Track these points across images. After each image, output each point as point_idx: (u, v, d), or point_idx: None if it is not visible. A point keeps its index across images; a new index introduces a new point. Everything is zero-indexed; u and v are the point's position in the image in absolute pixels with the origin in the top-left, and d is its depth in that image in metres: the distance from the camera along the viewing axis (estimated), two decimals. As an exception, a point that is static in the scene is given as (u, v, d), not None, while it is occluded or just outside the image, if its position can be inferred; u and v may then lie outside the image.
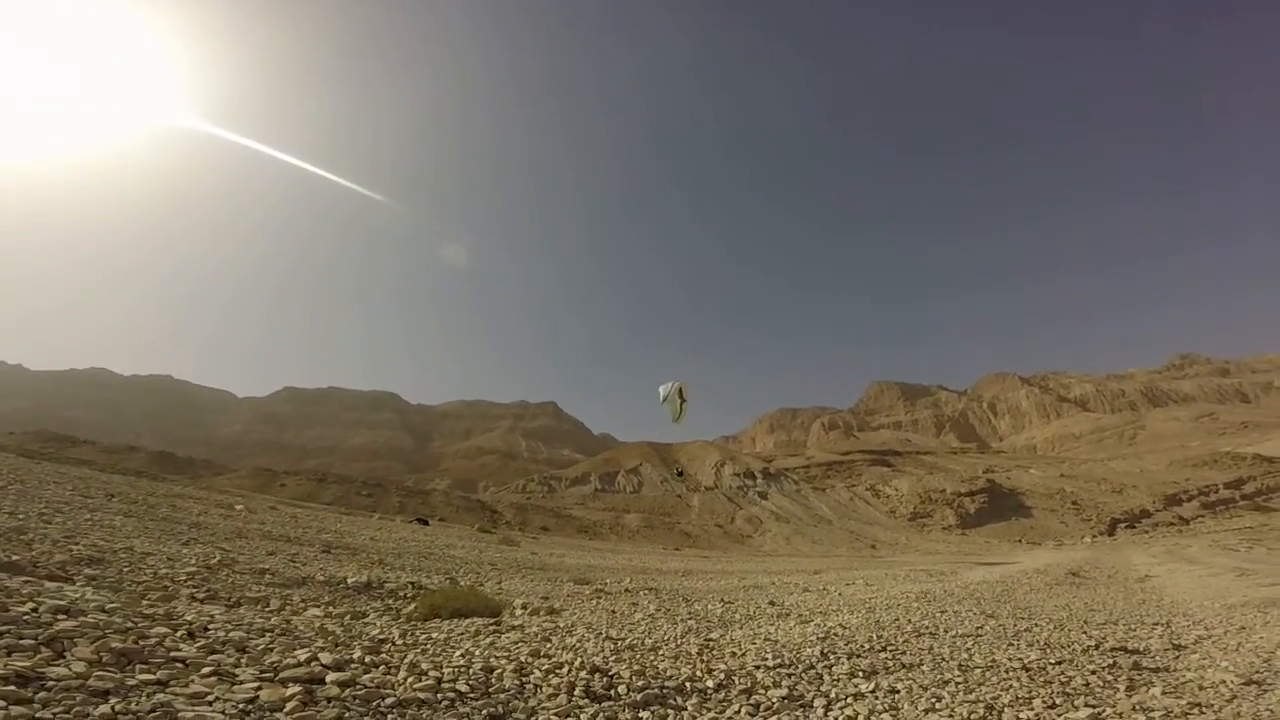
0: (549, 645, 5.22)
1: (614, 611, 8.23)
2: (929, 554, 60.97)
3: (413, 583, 8.40)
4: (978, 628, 8.01)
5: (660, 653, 5.39)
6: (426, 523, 32.35)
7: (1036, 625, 8.53)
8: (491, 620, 6.47)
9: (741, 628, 7.22)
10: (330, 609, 6.27)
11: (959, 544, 77.29)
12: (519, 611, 7.42)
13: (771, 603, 10.51)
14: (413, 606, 6.89)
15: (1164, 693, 4.97)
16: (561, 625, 6.54)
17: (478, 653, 4.57)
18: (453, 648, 4.68)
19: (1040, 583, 17.18)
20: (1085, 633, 7.90)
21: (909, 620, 8.48)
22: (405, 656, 4.19)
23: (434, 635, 5.12)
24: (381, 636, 4.70)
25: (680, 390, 13.20)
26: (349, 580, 7.79)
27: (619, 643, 5.66)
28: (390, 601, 7.32)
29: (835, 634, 6.82)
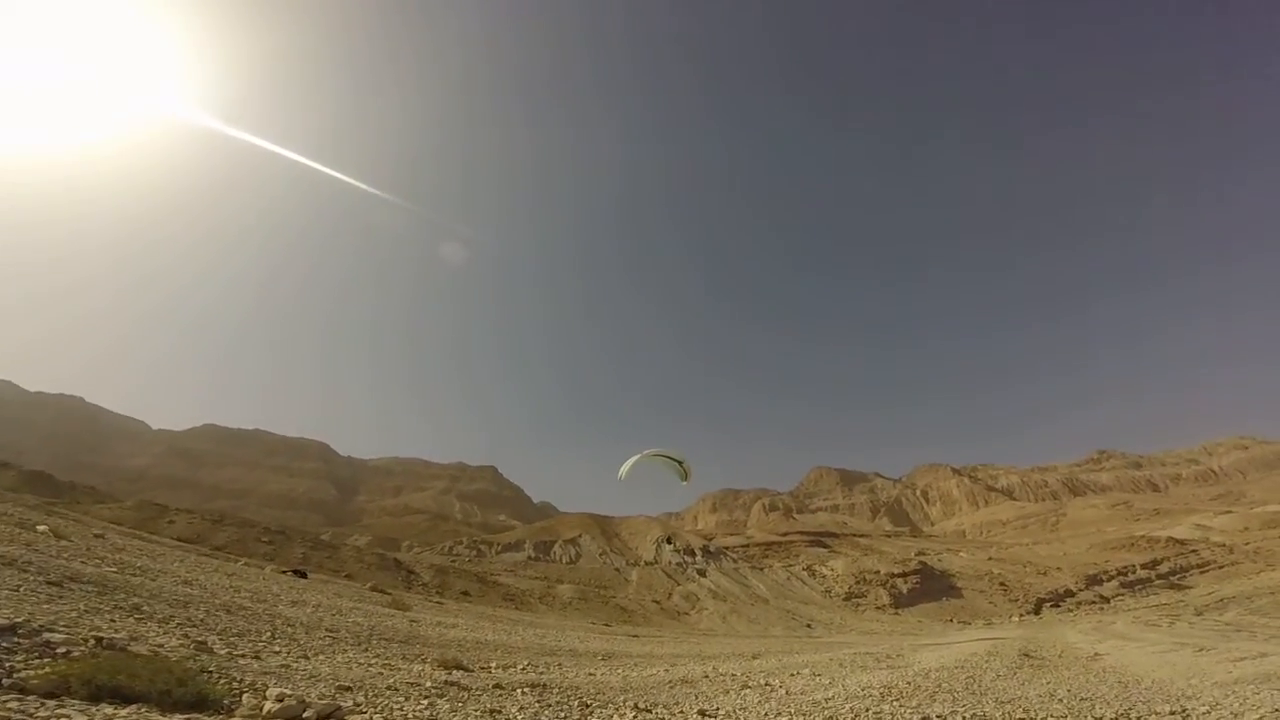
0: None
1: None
2: (865, 633, 60.21)
3: (100, 638, 5.08)
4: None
5: None
6: (304, 575, 27.40)
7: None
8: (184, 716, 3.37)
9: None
10: None
11: (893, 623, 78.50)
12: (266, 705, 4.28)
13: (702, 713, 7.54)
14: (46, 670, 3.73)
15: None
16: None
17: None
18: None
19: (1000, 666, 15.99)
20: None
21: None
22: None
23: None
24: None
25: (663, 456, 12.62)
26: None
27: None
28: (21, 659, 4.09)
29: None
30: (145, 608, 7.86)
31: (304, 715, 4.52)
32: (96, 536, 18.28)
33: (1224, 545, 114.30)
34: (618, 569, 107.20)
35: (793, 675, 12.64)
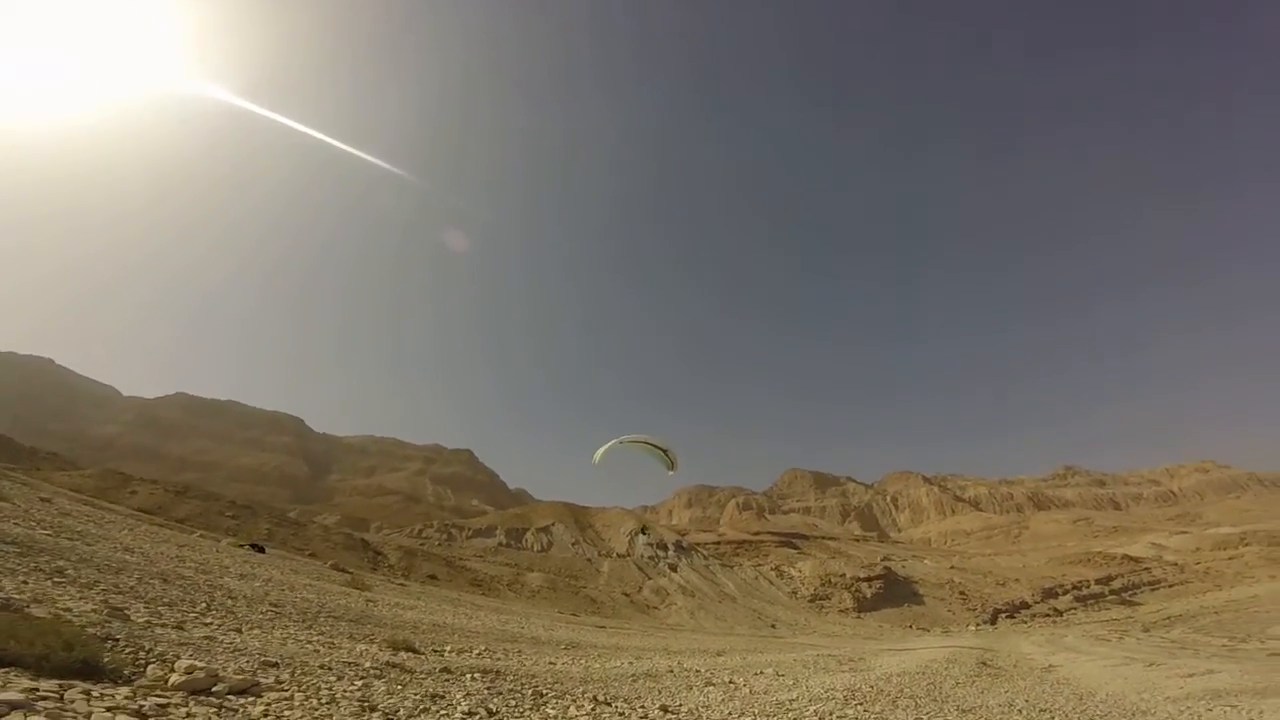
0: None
1: (363, 712, 4.78)
2: (828, 635, 60.56)
3: None
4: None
5: None
6: (262, 550, 26.69)
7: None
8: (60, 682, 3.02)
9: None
10: None
11: (855, 627, 79.22)
12: (172, 677, 3.92)
13: (664, 709, 7.29)
14: None
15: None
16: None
17: None
18: None
19: (960, 674, 16.10)
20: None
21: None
22: None
23: None
24: None
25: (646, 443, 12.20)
26: None
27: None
28: None
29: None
30: (70, 571, 7.39)
31: (213, 689, 4.17)
32: (43, 500, 17.54)
33: (1176, 564, 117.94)
34: (589, 559, 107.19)
35: (757, 674, 12.52)
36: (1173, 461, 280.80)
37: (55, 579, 6.80)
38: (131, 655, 4.40)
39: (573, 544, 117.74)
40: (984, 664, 20.09)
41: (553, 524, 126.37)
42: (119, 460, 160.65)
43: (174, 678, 4.13)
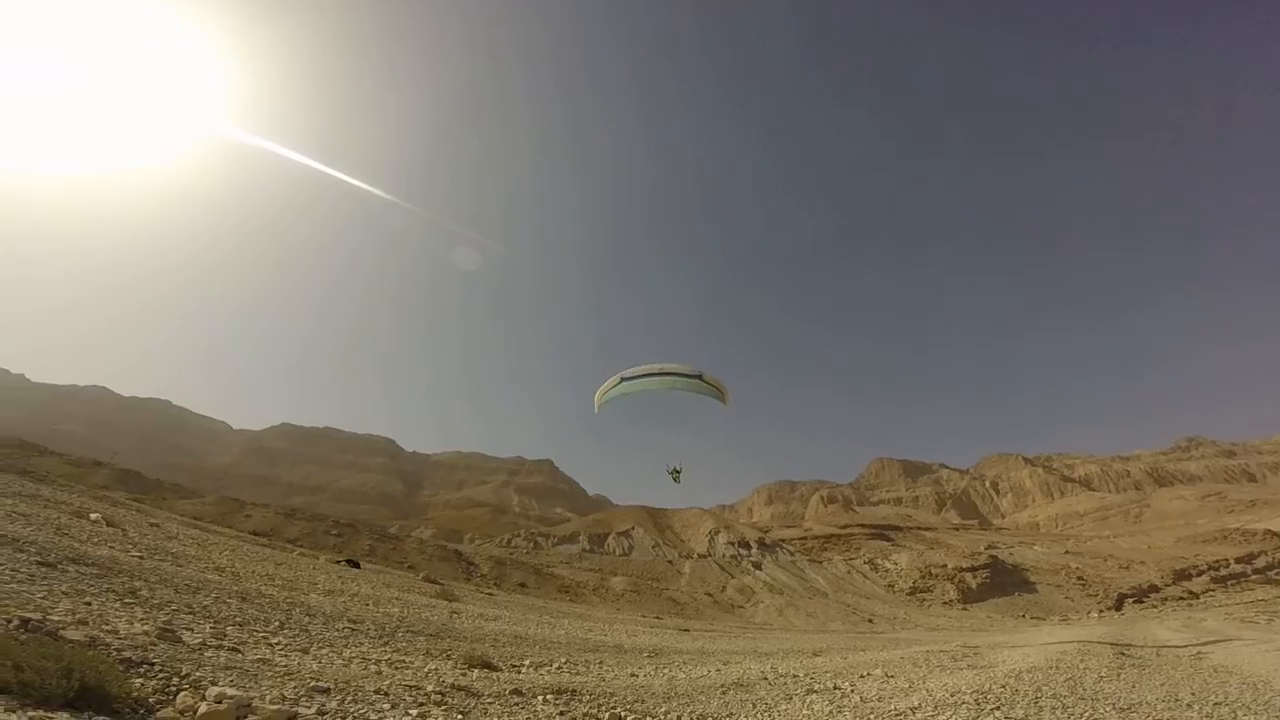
0: None
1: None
2: (932, 629, 57.22)
3: (27, 619, 4.46)
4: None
5: None
6: (357, 565, 27.76)
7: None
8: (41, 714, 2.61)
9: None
10: None
11: (961, 619, 75.13)
12: (201, 706, 3.49)
13: None
14: None
15: None
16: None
17: None
18: None
19: (1100, 667, 13.88)
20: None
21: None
22: None
23: None
24: None
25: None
26: None
27: None
28: None
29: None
30: (144, 592, 7.45)
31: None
32: (152, 525, 18.78)
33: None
34: (670, 561, 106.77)
35: (863, 676, 11.25)
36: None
37: (125, 599, 6.82)
38: (162, 682, 4.07)
39: (653, 546, 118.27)
40: (1122, 654, 17.88)
41: (632, 528, 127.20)
42: (234, 488, 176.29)
43: (203, 706, 3.74)
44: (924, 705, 8.06)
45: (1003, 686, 9.74)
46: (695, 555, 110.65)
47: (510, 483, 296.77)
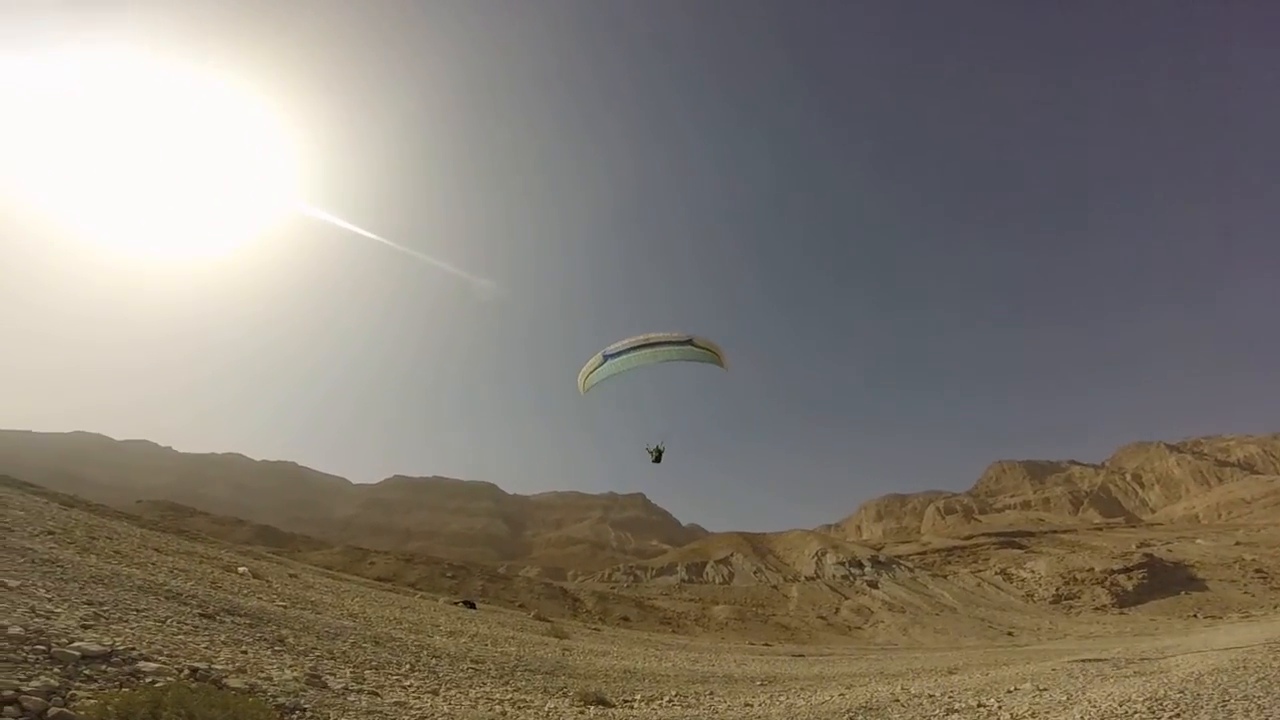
0: None
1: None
2: (1086, 638, 52.16)
3: (196, 669, 5.06)
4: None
5: None
6: (473, 606, 28.99)
7: None
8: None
9: None
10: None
11: (1119, 624, 68.27)
12: None
13: None
14: (114, 698, 3.60)
15: None
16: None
17: None
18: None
19: None
20: None
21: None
22: None
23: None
24: None
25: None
26: (69, 645, 4.60)
27: None
28: (96, 685, 4.04)
29: None
30: (290, 639, 8.26)
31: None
32: (291, 576, 20.68)
33: None
34: (775, 586, 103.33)
35: (1010, 692, 10.27)
36: None
37: (276, 647, 7.60)
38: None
39: (754, 572, 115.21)
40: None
41: (731, 554, 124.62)
42: (357, 537, 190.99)
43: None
44: (1088, 718, 7.24)
45: (1181, 691, 8.56)
46: (802, 578, 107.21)
47: (605, 518, 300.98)
